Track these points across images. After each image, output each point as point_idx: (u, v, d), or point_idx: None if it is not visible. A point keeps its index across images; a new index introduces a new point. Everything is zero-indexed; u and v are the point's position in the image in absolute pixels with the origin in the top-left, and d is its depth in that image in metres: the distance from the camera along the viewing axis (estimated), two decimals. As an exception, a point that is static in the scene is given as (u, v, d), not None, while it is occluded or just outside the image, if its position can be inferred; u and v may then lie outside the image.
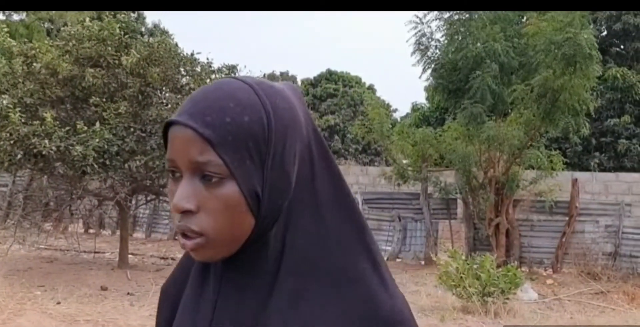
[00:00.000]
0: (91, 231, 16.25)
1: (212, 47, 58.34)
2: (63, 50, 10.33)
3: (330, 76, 37.88)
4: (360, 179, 18.39)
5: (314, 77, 38.54)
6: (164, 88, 9.99)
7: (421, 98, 41.08)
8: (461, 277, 8.76)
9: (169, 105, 9.68)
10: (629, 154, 22.47)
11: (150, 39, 10.65)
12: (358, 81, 38.52)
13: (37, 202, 14.25)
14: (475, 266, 9.05)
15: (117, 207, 11.51)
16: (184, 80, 10.09)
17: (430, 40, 12.25)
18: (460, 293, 8.91)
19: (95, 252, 13.06)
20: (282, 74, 41.53)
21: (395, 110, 38.05)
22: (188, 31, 71.66)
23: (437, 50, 12.20)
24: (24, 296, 8.80)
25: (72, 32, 10.72)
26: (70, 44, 10.40)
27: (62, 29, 11.81)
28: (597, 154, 22.93)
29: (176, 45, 10.69)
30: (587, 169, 20.14)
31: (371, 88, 39.76)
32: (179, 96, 9.81)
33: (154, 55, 9.76)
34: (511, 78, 11.46)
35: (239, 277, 1.06)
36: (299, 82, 38.72)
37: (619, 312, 9.47)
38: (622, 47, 25.15)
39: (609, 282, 11.27)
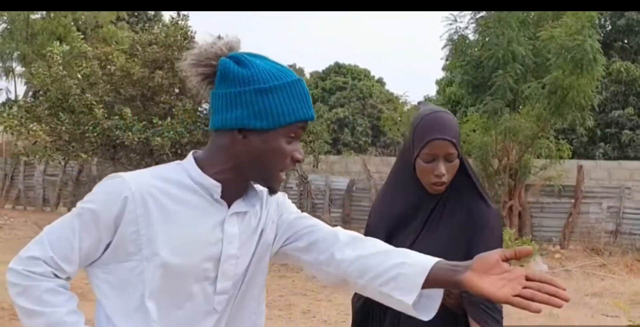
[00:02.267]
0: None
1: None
2: (129, 54, 11.87)
3: (339, 69, 38.43)
4: (380, 168, 19.75)
5: (323, 70, 39.03)
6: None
7: (430, 91, 42.31)
8: (484, 248, 10.26)
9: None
10: (632, 144, 23.77)
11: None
12: (367, 74, 39.08)
13: (86, 190, 15.77)
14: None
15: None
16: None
17: (462, 37, 13.66)
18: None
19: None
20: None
21: (404, 103, 39.22)
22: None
23: (467, 48, 13.59)
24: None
25: (136, 38, 12.27)
26: (137, 48, 11.93)
27: (119, 34, 13.26)
28: (601, 144, 24.24)
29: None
30: (592, 159, 21.43)
31: (380, 81, 40.58)
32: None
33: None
34: (527, 76, 12.92)
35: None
36: (308, 76, 39.54)
37: (619, 280, 10.94)
38: (625, 41, 26.35)
39: (611, 257, 12.75)
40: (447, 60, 21.39)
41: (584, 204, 14.26)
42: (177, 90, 11.57)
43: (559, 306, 1.49)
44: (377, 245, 1.74)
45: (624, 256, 12.68)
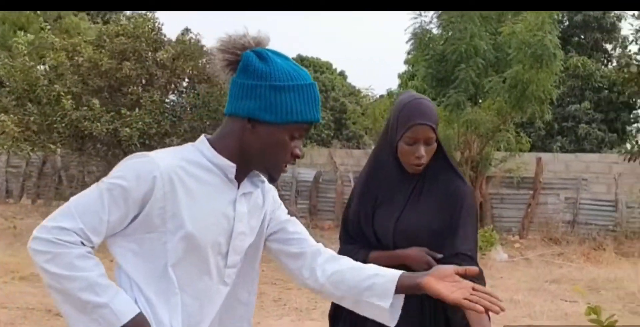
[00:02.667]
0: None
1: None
2: (95, 46, 11.83)
3: (301, 62, 38.13)
4: (345, 160, 19.97)
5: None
6: (195, 79, 11.53)
7: (392, 84, 42.58)
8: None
9: (200, 94, 11.25)
10: (588, 137, 24.40)
11: (182, 37, 12.17)
12: (329, 67, 39.16)
13: (51, 182, 15.73)
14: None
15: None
16: (216, 73, 11.60)
17: (426, 32, 13.94)
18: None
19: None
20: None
21: (365, 97, 39.35)
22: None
23: (431, 42, 13.87)
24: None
25: (103, 29, 12.25)
26: (104, 39, 11.89)
27: (89, 25, 13.21)
28: (559, 137, 24.83)
29: (199, 42, 12.21)
30: (550, 152, 21.92)
31: (342, 74, 40.73)
32: (209, 86, 11.39)
33: (187, 51, 11.36)
34: (488, 70, 13.26)
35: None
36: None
37: (576, 267, 11.35)
38: (582, 37, 27.01)
39: (568, 245, 13.20)
40: (408, 54, 21.70)
41: (542, 195, 14.72)
42: (144, 81, 11.57)
43: (497, 312, 1.77)
44: (351, 262, 1.99)
45: (581, 245, 13.13)
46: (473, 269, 1.85)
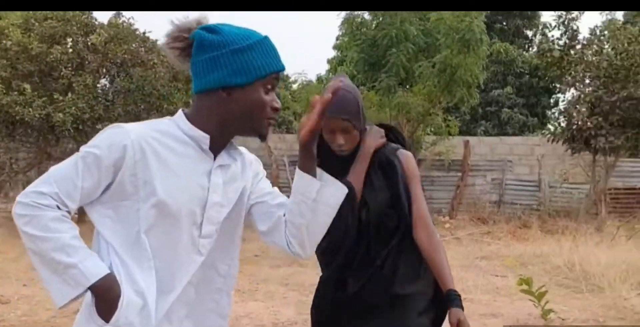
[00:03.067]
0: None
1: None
2: (24, 29, 11.52)
3: None
4: (278, 145, 20.08)
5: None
6: (128, 63, 11.36)
7: (321, 70, 42.75)
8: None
9: (134, 78, 11.11)
10: (510, 121, 25.23)
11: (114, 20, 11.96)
12: None
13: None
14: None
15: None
16: (148, 57, 11.50)
17: (358, 17, 14.16)
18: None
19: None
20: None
21: (294, 82, 39.51)
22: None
23: (363, 27, 14.10)
24: (15, 243, 9.92)
25: (31, 12, 11.91)
26: (32, 22, 11.59)
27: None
28: (483, 122, 25.56)
29: (132, 25, 12.02)
30: (474, 136, 22.61)
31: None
32: (143, 70, 11.26)
33: (120, 34, 11.19)
34: (418, 55, 13.62)
35: None
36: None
37: (504, 245, 11.86)
38: (504, 23, 27.78)
39: (495, 225, 13.76)
40: (337, 39, 21.88)
41: (470, 177, 15.27)
42: (75, 66, 11.34)
43: None
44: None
45: (507, 223, 13.71)
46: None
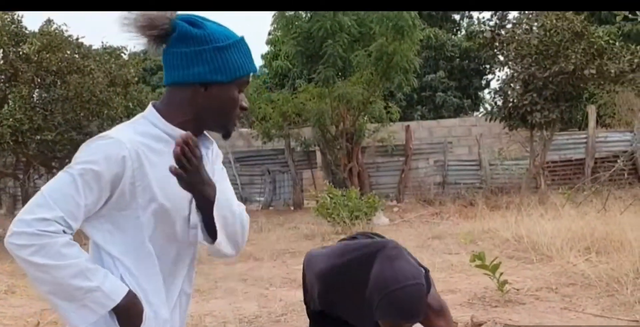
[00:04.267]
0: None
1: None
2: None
3: None
4: (220, 142, 19.82)
5: (142, 51, 38.35)
6: (64, 70, 11.11)
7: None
8: (334, 206, 11.06)
9: (71, 86, 10.90)
10: (445, 104, 25.70)
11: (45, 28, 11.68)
12: None
13: None
14: (343, 198, 11.39)
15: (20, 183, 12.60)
16: (84, 63, 11.29)
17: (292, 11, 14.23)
18: (334, 219, 11.21)
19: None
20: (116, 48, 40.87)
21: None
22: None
23: (297, 20, 14.17)
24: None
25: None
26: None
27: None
28: (419, 107, 25.96)
29: (65, 32, 11.77)
30: (412, 121, 22.95)
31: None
32: (80, 76, 11.04)
33: (54, 42, 10.95)
34: (354, 45, 13.80)
35: None
36: (126, 57, 38.36)
37: (451, 223, 12.17)
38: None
39: (441, 205, 14.07)
40: (269, 34, 21.85)
41: (413, 161, 15.62)
42: (8, 77, 11.08)
43: None
44: None
45: (454, 203, 14.05)
46: None
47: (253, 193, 16.47)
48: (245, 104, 1.90)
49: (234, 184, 16.32)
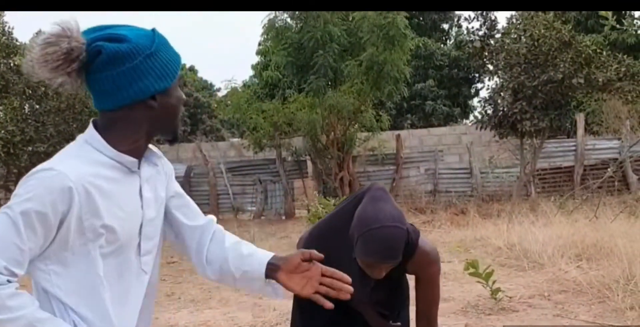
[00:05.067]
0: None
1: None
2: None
3: None
4: (212, 153, 20.02)
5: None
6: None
7: (246, 76, 42.65)
8: (325, 215, 11.08)
9: (63, 97, 10.92)
10: (435, 113, 25.82)
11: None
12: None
13: None
14: (334, 207, 11.43)
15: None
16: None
17: (282, 22, 14.31)
18: (327, 228, 11.24)
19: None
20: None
21: (218, 90, 39.22)
22: None
23: (287, 31, 14.25)
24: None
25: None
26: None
27: None
28: (409, 115, 26.08)
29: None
30: (402, 129, 23.03)
31: (192, 69, 40.32)
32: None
33: (43, 54, 10.93)
34: (344, 55, 13.89)
35: None
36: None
37: (444, 232, 12.21)
38: (421, 18, 28.39)
39: (433, 213, 14.12)
40: (260, 45, 21.92)
41: (404, 169, 15.69)
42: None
43: (346, 298, 1.85)
44: (232, 239, 1.98)
45: (445, 211, 14.10)
46: (317, 255, 1.86)
47: (245, 203, 16.49)
48: (184, 97, 1.81)
49: (225, 193, 16.49)
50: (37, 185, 1.55)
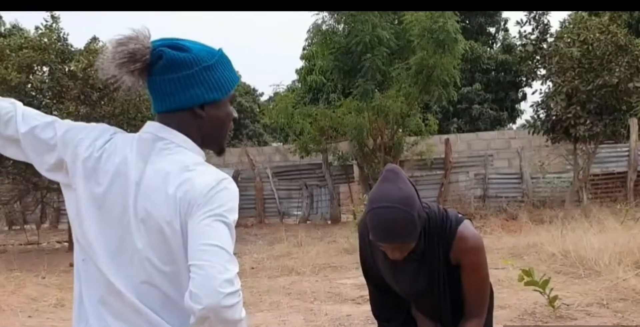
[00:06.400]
0: (15, 227, 17.15)
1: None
2: (-1, 59, 11.44)
3: None
4: (257, 158, 20.16)
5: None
6: (110, 87, 11.31)
7: (288, 81, 42.83)
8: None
9: (118, 102, 11.10)
10: (482, 117, 25.61)
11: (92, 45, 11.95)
12: None
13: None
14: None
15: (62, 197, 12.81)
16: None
17: (331, 26, 14.36)
18: (376, 234, 11.18)
19: (30, 244, 14.19)
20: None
21: (262, 94, 39.50)
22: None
23: (334, 36, 14.29)
24: (8, 276, 9.97)
25: (4, 42, 11.87)
26: (6, 53, 11.52)
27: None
28: (455, 119, 25.91)
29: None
30: (448, 133, 22.88)
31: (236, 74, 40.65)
32: (127, 93, 11.21)
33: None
34: (392, 59, 13.84)
35: None
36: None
37: (495, 238, 12.03)
38: (467, 22, 28.21)
39: (482, 219, 13.95)
40: (304, 49, 21.98)
41: (453, 174, 15.53)
42: (54, 94, 11.33)
43: None
44: None
45: (495, 216, 13.92)
46: None
47: (291, 207, 16.56)
48: (235, 114, 1.88)
49: (272, 198, 16.58)
50: (232, 197, 1.68)
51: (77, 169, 1.77)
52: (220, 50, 1.85)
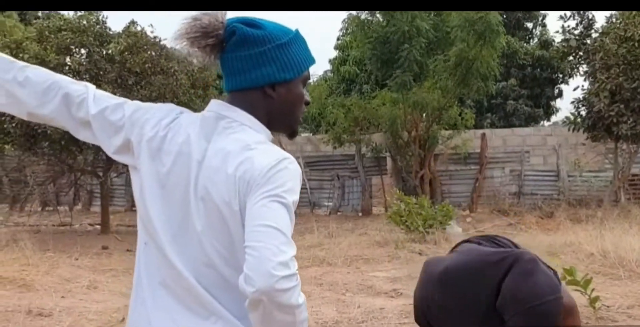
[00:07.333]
0: (48, 208, 17.33)
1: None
2: (38, 41, 11.50)
3: None
4: (288, 147, 20.09)
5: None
6: (148, 71, 11.32)
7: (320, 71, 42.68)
8: (408, 213, 10.92)
9: (155, 87, 11.09)
10: (516, 113, 25.26)
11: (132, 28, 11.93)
12: None
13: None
14: (416, 206, 11.25)
15: (96, 180, 12.88)
16: (168, 65, 11.48)
17: (369, 15, 14.20)
18: (408, 227, 11.07)
19: (63, 225, 14.31)
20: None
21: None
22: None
23: (372, 25, 14.14)
24: (42, 256, 10.05)
25: (44, 24, 11.92)
26: (46, 34, 11.57)
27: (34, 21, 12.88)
28: (488, 114, 25.60)
29: (151, 33, 12.05)
30: (481, 129, 22.63)
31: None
32: (164, 77, 11.24)
33: (138, 43, 11.18)
34: (430, 50, 13.65)
35: None
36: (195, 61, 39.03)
37: (530, 236, 11.84)
38: (504, 16, 27.82)
39: (516, 216, 13.76)
40: (338, 40, 21.82)
41: (488, 169, 15.31)
42: (91, 76, 11.34)
43: None
44: None
45: (530, 214, 13.71)
46: None
47: (322, 198, 16.46)
48: (308, 98, 1.82)
49: (303, 188, 16.48)
50: (294, 178, 1.61)
51: (142, 149, 1.72)
52: (293, 30, 1.79)
